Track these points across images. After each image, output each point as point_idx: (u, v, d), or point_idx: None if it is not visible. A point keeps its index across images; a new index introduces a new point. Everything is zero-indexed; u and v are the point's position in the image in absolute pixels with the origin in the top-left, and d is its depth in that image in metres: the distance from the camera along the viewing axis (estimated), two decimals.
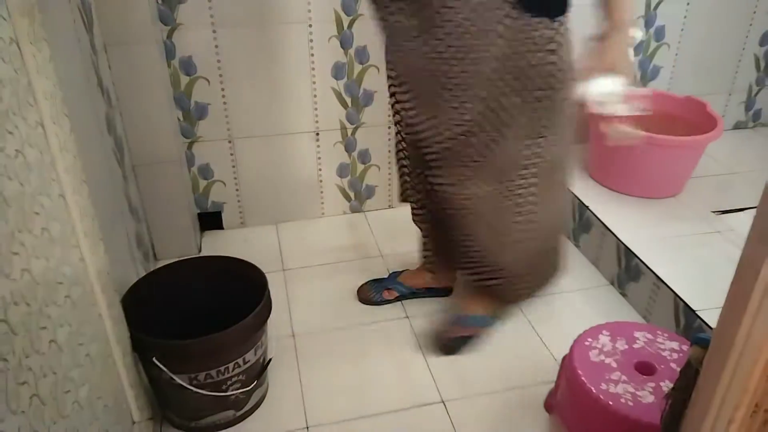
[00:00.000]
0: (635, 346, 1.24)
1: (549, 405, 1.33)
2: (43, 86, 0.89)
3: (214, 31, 1.74)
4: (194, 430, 1.35)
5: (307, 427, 1.37)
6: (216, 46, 1.76)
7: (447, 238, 1.47)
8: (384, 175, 2.10)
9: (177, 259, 1.48)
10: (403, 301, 1.72)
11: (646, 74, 2.21)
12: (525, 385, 1.46)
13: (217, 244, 1.97)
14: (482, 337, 1.59)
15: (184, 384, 1.24)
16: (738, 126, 2.45)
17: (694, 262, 1.66)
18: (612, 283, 1.79)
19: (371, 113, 1.97)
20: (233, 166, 1.96)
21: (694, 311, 1.47)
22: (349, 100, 1.93)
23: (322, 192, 2.08)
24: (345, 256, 1.92)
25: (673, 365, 1.19)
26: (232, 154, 1.94)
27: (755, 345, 0.73)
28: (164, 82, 1.68)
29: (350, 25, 1.82)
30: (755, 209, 0.72)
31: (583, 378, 1.17)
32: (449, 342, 1.55)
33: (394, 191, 2.14)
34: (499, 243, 1.42)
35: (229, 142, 1.91)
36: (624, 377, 1.17)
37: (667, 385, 1.14)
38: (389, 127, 2.01)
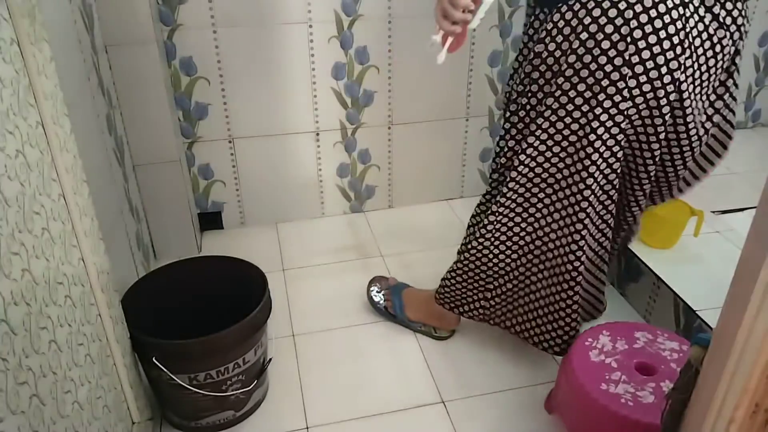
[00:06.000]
0: (635, 346, 1.24)
1: (549, 405, 1.33)
2: (44, 86, 0.89)
3: (214, 32, 1.74)
4: (194, 430, 1.35)
5: (307, 428, 1.37)
6: (216, 47, 1.76)
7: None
8: (384, 175, 2.10)
9: (177, 259, 1.48)
10: None
11: None
12: (525, 386, 1.46)
13: (217, 244, 1.97)
14: (386, 316, 1.65)
15: (184, 384, 1.24)
16: (737, 126, 2.44)
17: (694, 262, 1.66)
18: (612, 283, 1.79)
19: (371, 113, 1.97)
20: (233, 166, 1.96)
21: (694, 311, 1.47)
22: (349, 101, 1.93)
23: (322, 192, 2.08)
24: (345, 256, 1.92)
25: (673, 365, 1.19)
26: (232, 154, 1.94)
27: (755, 345, 0.73)
28: (164, 82, 1.68)
29: (350, 26, 1.82)
30: (755, 209, 0.72)
31: (583, 378, 1.17)
32: (377, 298, 1.65)
33: (394, 191, 2.14)
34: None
35: (229, 142, 1.91)
36: (624, 377, 1.17)
37: (667, 386, 1.14)
38: (389, 128, 2.01)
